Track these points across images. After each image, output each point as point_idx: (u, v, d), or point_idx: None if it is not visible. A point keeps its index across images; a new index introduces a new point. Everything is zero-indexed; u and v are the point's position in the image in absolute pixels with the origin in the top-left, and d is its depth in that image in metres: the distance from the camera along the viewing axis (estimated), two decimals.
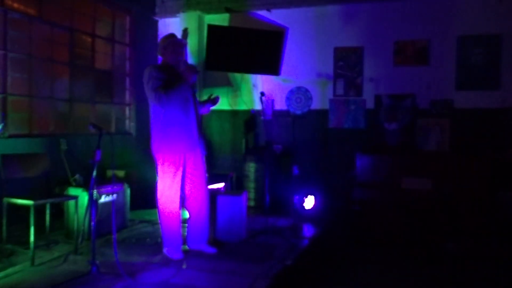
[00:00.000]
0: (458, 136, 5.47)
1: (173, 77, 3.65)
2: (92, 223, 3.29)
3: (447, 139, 5.42)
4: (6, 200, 3.74)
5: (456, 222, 4.83)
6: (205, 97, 4.58)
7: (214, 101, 4.01)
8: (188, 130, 3.70)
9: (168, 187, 3.71)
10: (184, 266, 3.52)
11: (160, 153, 3.71)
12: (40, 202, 3.67)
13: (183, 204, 3.92)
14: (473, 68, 5.55)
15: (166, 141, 3.67)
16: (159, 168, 3.75)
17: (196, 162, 3.82)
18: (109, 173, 5.70)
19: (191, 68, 3.68)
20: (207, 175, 3.95)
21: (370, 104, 6.02)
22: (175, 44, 3.79)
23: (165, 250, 3.81)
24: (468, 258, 4.19)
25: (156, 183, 3.80)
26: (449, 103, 5.64)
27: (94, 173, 3.29)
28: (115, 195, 4.49)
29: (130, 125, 6.63)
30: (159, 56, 3.89)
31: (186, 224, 3.98)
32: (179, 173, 3.72)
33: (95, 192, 3.29)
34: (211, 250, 3.90)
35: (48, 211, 4.12)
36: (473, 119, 5.55)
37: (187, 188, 3.85)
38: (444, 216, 4.87)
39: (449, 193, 4.90)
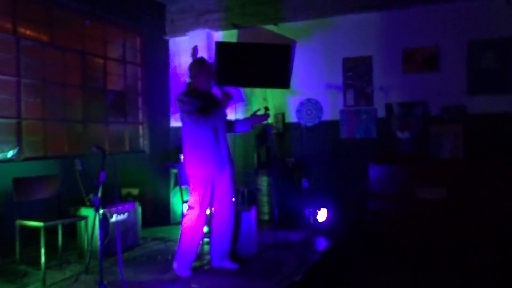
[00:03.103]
0: (472, 142, 5.35)
1: (205, 101, 3.77)
2: (100, 243, 3.34)
3: (461, 146, 5.31)
4: (19, 222, 3.85)
5: (474, 231, 4.70)
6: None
7: (262, 117, 4.01)
8: (217, 153, 3.80)
9: (197, 205, 3.77)
10: (194, 286, 3.52)
11: (192, 171, 3.81)
12: (50, 223, 3.76)
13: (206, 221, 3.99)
14: (484, 72, 5.43)
15: (197, 161, 3.78)
16: (190, 185, 3.84)
17: (225, 182, 3.90)
18: (125, 191, 5.80)
19: (228, 95, 3.76)
20: (234, 194, 4.02)
21: (381, 113, 5.95)
22: (209, 70, 3.88)
23: (175, 265, 3.83)
24: (487, 267, 4.06)
25: (188, 200, 3.87)
26: (461, 109, 5.52)
27: (100, 193, 3.36)
28: (126, 214, 4.55)
29: (143, 143, 6.74)
30: (190, 80, 3.92)
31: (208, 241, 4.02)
32: (208, 192, 3.80)
33: (101, 212, 3.35)
34: (234, 266, 3.94)
35: (60, 232, 4.21)
36: (488, 125, 5.41)
37: (215, 206, 3.93)
38: (461, 225, 4.75)
39: (465, 201, 4.78)
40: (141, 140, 6.74)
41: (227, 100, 3.73)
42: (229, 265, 3.95)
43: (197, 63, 3.91)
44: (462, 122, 5.44)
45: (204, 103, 3.75)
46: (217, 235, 3.95)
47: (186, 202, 4.78)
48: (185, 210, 3.89)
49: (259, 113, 4.06)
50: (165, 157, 6.83)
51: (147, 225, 5.51)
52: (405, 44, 5.80)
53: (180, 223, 5.38)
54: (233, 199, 4.00)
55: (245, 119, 4.11)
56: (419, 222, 4.91)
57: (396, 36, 5.85)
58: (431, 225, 4.86)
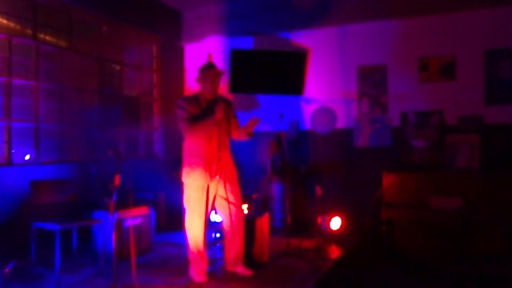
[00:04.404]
0: (489, 152, 5.28)
1: (205, 108, 3.75)
2: (113, 247, 3.37)
3: (477, 156, 5.24)
4: (35, 224, 3.90)
5: (489, 242, 4.63)
6: None
7: (252, 124, 3.84)
8: (208, 161, 3.76)
9: (191, 212, 3.80)
10: None
11: (184, 178, 3.84)
12: (66, 226, 3.81)
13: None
14: (502, 82, 5.37)
15: (188, 168, 3.81)
16: (186, 193, 3.85)
17: (226, 189, 3.85)
18: (138, 196, 5.83)
19: (219, 105, 3.67)
20: (240, 200, 3.98)
21: (396, 122, 5.91)
22: (214, 75, 3.82)
23: (190, 272, 3.85)
24: (503, 279, 3.99)
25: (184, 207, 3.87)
26: (478, 118, 5.46)
27: (114, 197, 3.39)
28: (139, 219, 4.59)
29: (158, 148, 6.80)
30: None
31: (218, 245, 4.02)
32: (203, 199, 3.78)
33: (116, 215, 3.39)
34: (247, 272, 3.90)
35: (75, 234, 4.26)
36: (505, 135, 5.33)
37: (221, 213, 3.94)
38: (476, 235, 4.68)
39: (480, 212, 4.72)
40: (155, 145, 6.79)
41: (218, 110, 3.64)
42: (242, 271, 3.93)
43: (202, 68, 3.86)
44: (479, 132, 5.38)
45: (203, 111, 3.72)
46: (227, 241, 3.95)
47: None
48: (185, 219, 3.88)
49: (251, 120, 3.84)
50: (179, 163, 6.87)
51: (160, 230, 5.54)
52: (421, 53, 5.76)
53: None
54: (239, 205, 3.93)
55: (243, 127, 3.92)
56: (433, 231, 4.86)
57: (412, 45, 5.82)
58: (446, 235, 4.80)
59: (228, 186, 3.86)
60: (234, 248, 3.94)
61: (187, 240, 3.84)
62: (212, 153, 3.78)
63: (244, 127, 3.89)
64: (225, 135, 3.91)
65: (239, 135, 4.00)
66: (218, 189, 3.86)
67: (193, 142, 3.80)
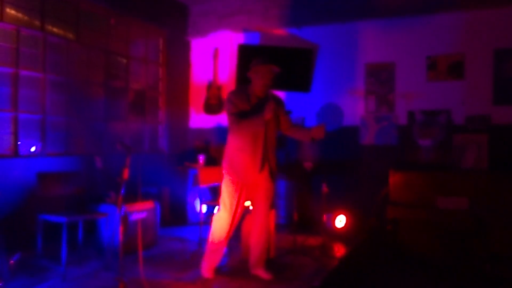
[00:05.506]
0: (497, 152, 5.24)
1: (253, 105, 3.61)
2: (119, 241, 3.35)
3: (484, 156, 5.20)
4: (41, 217, 3.89)
5: (496, 243, 4.61)
6: None
7: (319, 133, 3.70)
8: (251, 160, 3.66)
9: (222, 205, 3.75)
10: None
11: (225, 172, 3.77)
12: (73, 219, 3.79)
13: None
14: (511, 82, 5.34)
15: (230, 163, 3.73)
16: (222, 187, 3.79)
17: (259, 191, 3.76)
18: (143, 190, 5.82)
19: (269, 104, 3.50)
20: (271, 205, 3.90)
21: (402, 120, 5.88)
22: (267, 71, 3.66)
23: (202, 264, 3.82)
24: (508, 282, 3.98)
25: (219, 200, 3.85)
26: (486, 118, 5.43)
27: (122, 191, 3.37)
28: (145, 213, 4.57)
29: (163, 143, 6.77)
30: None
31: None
32: (237, 196, 3.72)
33: (123, 209, 3.37)
34: (266, 276, 3.79)
35: (81, 227, 4.25)
36: None
37: (251, 214, 3.88)
38: (482, 237, 4.66)
39: (488, 213, 4.70)
40: (160, 139, 6.77)
41: (268, 109, 3.47)
42: (262, 274, 3.81)
43: (253, 63, 3.70)
44: (487, 132, 5.35)
45: (252, 108, 3.58)
46: (252, 243, 3.86)
47: (203, 203, 4.82)
48: (216, 211, 3.88)
49: (318, 128, 3.75)
50: (183, 158, 6.86)
51: (164, 224, 5.54)
52: (430, 51, 5.72)
53: (197, 223, 5.41)
54: (268, 210, 3.83)
55: (306, 129, 3.86)
56: (439, 231, 4.84)
57: (420, 43, 5.78)
58: (452, 235, 4.78)
59: (265, 189, 3.77)
60: (255, 251, 3.84)
61: (210, 233, 3.78)
62: (257, 151, 3.64)
63: (308, 130, 3.77)
64: (273, 135, 3.77)
65: (297, 135, 3.90)
66: (256, 190, 3.76)
67: (238, 139, 3.67)
